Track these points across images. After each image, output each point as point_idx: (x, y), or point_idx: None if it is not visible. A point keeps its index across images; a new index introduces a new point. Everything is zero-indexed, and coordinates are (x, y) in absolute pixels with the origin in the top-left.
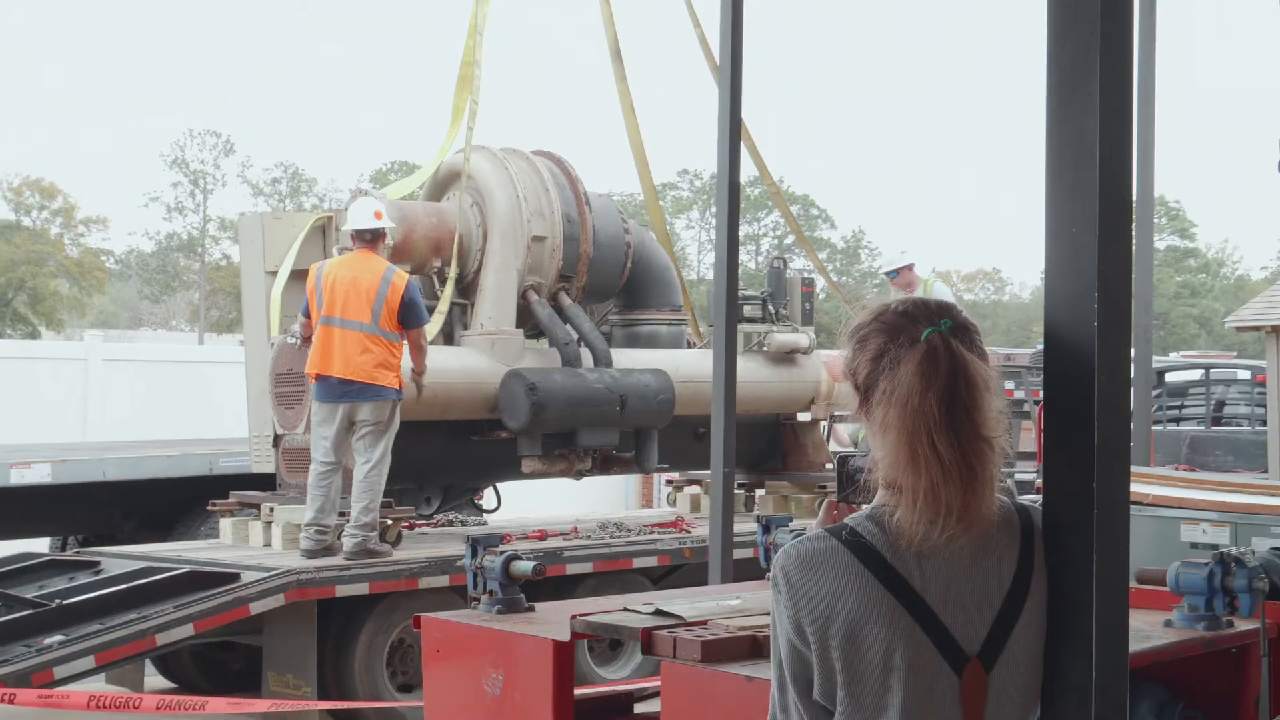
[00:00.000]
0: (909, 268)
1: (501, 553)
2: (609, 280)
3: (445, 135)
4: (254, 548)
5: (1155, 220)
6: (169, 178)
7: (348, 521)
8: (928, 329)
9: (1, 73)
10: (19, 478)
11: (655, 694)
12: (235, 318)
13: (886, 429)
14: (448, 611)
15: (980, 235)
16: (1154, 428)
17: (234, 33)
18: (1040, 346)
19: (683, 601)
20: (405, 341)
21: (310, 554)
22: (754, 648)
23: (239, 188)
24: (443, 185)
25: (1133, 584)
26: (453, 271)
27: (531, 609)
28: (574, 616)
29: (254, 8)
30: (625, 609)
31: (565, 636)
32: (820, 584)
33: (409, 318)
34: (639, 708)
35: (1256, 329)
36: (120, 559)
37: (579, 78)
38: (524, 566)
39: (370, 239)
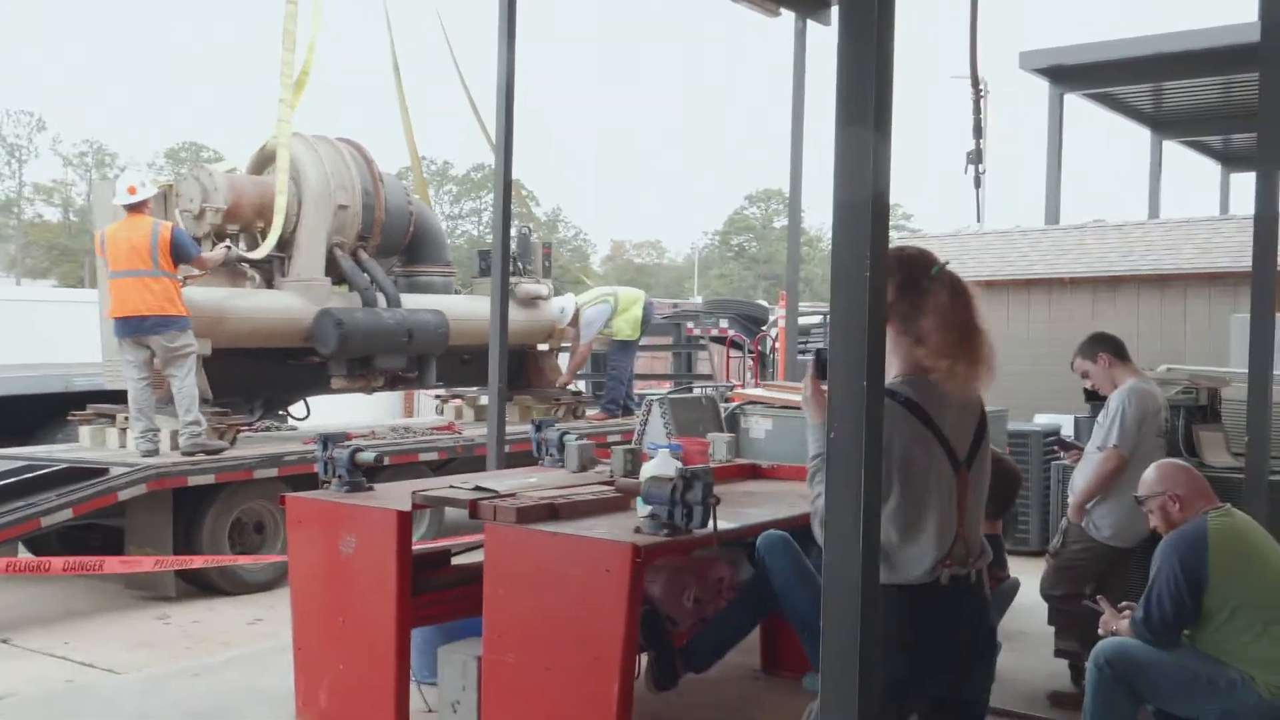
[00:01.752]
0: (574, 316)
1: (347, 446)
2: (396, 240)
3: (275, 125)
4: (111, 449)
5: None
6: None
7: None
8: (935, 268)
9: None
10: None
11: (466, 549)
12: (48, 266)
13: (931, 337)
14: (306, 491)
15: (648, 209)
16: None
17: (48, 13)
18: (698, 299)
19: (495, 481)
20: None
21: (148, 454)
22: (551, 512)
23: (51, 159)
24: (264, 162)
25: None
26: (277, 221)
27: (372, 489)
28: (414, 492)
29: None
30: (452, 486)
31: (407, 507)
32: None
33: (181, 254)
34: (454, 560)
35: None
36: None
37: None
38: (367, 456)
39: (133, 207)
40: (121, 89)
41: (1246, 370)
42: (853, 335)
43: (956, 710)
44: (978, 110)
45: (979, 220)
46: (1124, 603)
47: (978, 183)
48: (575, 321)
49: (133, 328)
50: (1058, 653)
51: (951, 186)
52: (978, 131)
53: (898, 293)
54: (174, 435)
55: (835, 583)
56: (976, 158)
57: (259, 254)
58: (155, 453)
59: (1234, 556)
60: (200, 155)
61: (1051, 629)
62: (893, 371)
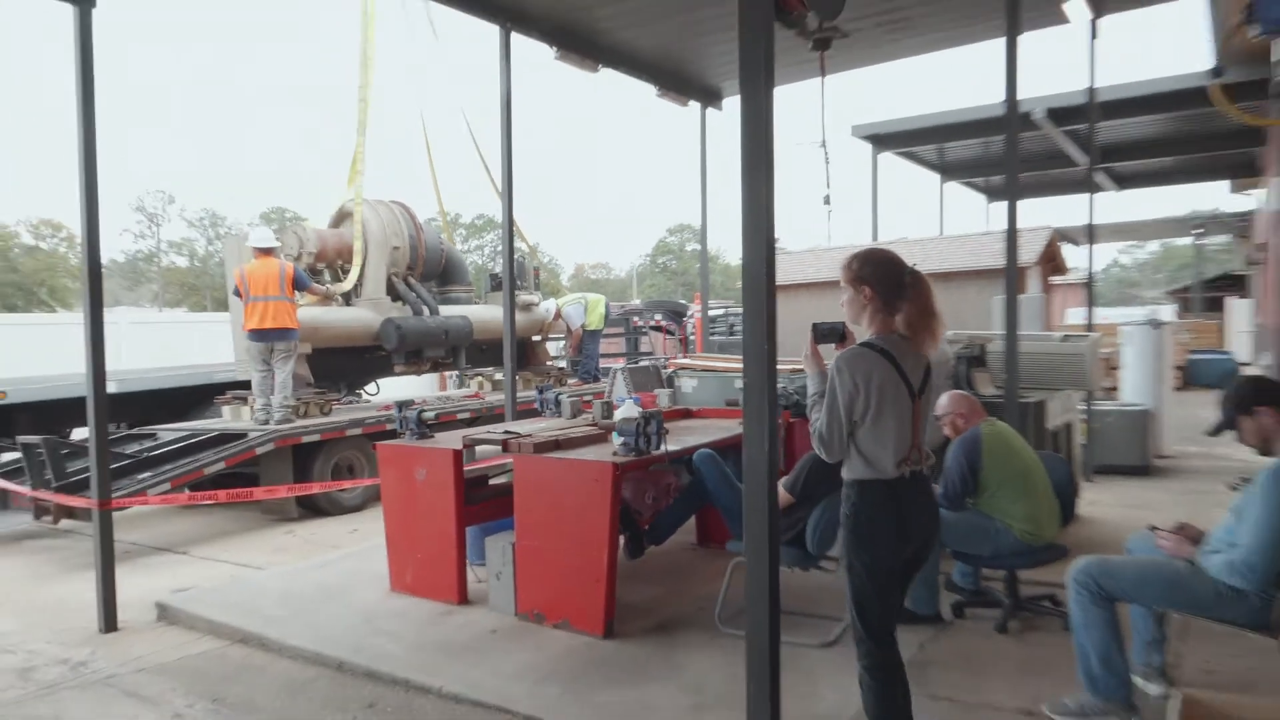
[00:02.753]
0: (556, 313)
1: (415, 409)
2: (434, 269)
3: (346, 190)
4: (245, 420)
5: (689, 236)
6: (133, 217)
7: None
8: (908, 271)
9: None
10: None
11: (498, 473)
12: (180, 298)
13: (909, 315)
14: (389, 440)
15: (599, 241)
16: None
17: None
18: (637, 301)
19: (517, 426)
20: (305, 298)
21: (263, 422)
22: (557, 445)
23: (179, 222)
24: (339, 219)
25: (725, 405)
26: (356, 264)
27: (433, 436)
28: (464, 436)
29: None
30: (488, 431)
31: (460, 446)
32: (864, 365)
33: (300, 284)
34: (491, 481)
35: None
36: (168, 430)
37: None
38: (429, 415)
39: (266, 251)
40: (223, 165)
41: (1004, 332)
42: (758, 316)
43: (916, 568)
44: (827, 170)
45: (829, 240)
46: None
47: (829, 216)
48: (557, 316)
49: (264, 336)
50: None
51: (803, 219)
52: (828, 183)
53: (880, 282)
54: (267, 408)
55: (753, 467)
56: (827, 200)
57: (345, 287)
58: (268, 421)
59: (998, 451)
60: (284, 215)
61: None
62: (869, 333)
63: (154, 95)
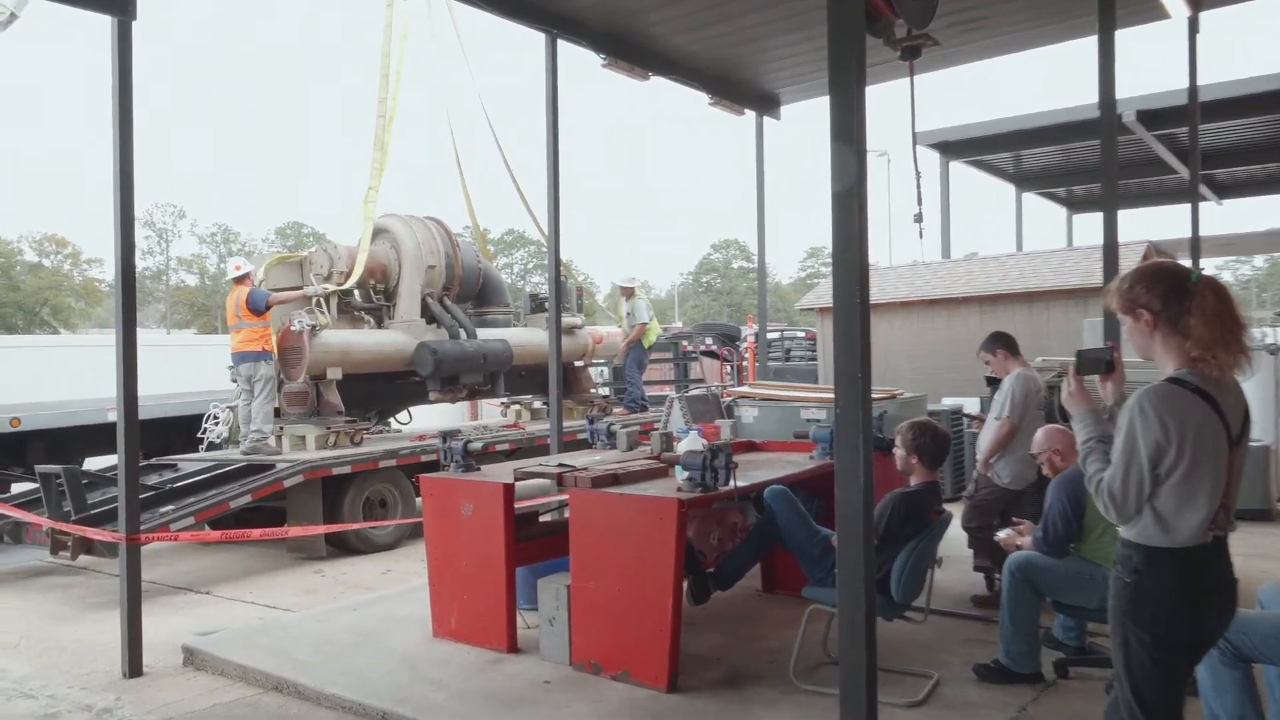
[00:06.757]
0: (630, 290)
1: (460, 440)
2: (470, 289)
3: (364, 205)
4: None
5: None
6: (142, 233)
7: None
8: (1194, 276)
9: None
10: (111, 417)
11: (547, 510)
12: (190, 319)
13: (1196, 332)
14: (433, 473)
15: (641, 256)
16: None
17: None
18: (678, 324)
19: (571, 459)
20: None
21: (249, 451)
22: (615, 479)
23: (190, 238)
24: (370, 237)
25: (794, 438)
26: (360, 264)
27: (479, 469)
28: (515, 469)
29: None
30: (540, 464)
31: (510, 480)
32: (1177, 408)
33: (253, 307)
34: (542, 518)
35: (814, 309)
36: (189, 461)
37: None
38: (476, 445)
39: (238, 280)
40: (238, 180)
41: None
42: (851, 341)
43: (1210, 644)
44: (919, 187)
45: (923, 259)
46: (1014, 519)
47: (920, 234)
48: (626, 293)
49: (235, 360)
50: (975, 568)
51: (873, 232)
52: (919, 200)
53: (1164, 300)
54: (248, 436)
55: (846, 506)
56: (919, 218)
57: (347, 285)
58: (256, 451)
59: None
60: (301, 231)
61: (969, 551)
62: (1169, 368)
63: (168, 105)
